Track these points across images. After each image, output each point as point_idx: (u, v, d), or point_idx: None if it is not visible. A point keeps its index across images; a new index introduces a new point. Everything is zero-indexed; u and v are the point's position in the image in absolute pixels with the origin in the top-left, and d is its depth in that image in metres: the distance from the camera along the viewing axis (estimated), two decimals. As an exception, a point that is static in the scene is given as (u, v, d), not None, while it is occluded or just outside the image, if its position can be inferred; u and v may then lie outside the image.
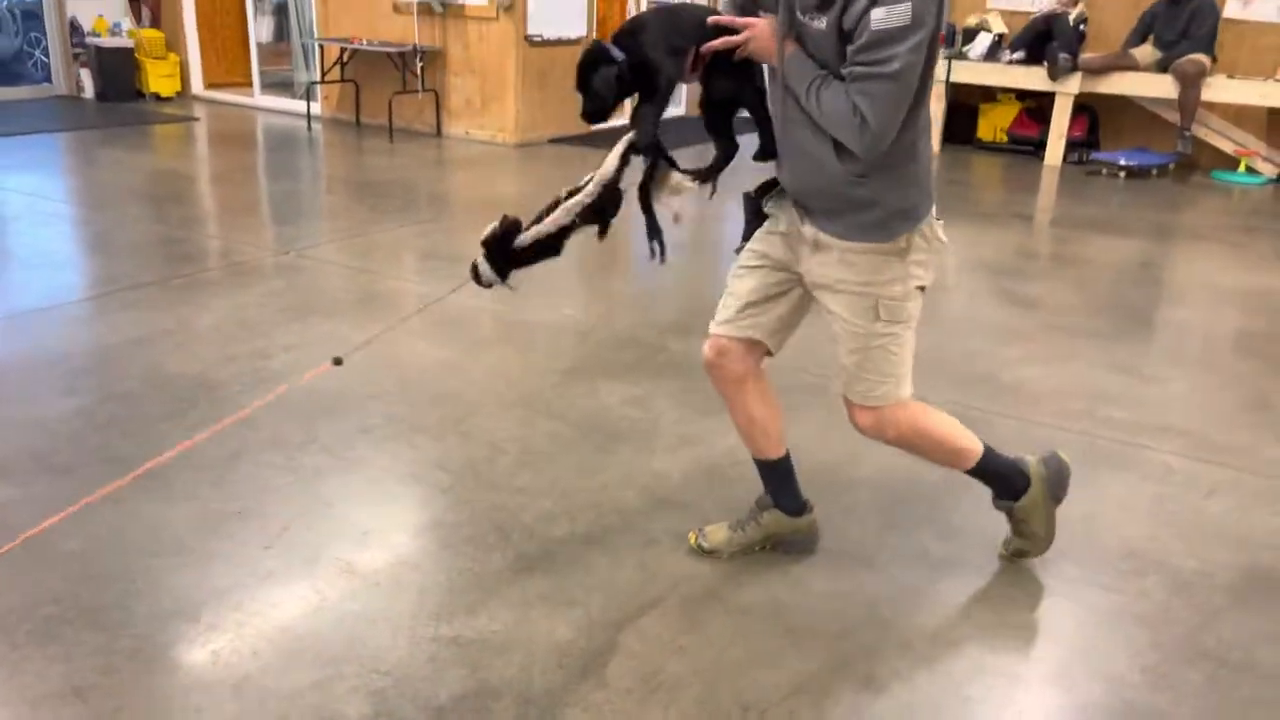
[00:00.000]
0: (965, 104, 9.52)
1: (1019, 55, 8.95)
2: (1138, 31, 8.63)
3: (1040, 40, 8.82)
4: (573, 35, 9.13)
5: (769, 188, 2.27)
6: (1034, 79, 8.81)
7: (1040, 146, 9.13)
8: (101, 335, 3.97)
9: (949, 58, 9.19)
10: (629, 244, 6.10)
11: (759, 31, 2.02)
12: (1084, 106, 8.94)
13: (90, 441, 3.06)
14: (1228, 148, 8.61)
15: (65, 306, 4.29)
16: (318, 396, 3.42)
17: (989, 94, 9.46)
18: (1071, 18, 8.84)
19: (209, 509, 2.70)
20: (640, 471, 3.03)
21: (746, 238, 2.33)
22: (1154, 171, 8.56)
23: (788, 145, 2.12)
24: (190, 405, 3.35)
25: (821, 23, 1.90)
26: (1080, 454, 3.24)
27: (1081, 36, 8.91)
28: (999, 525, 2.62)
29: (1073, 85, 8.61)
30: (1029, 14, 9.29)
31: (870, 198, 2.03)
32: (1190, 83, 8.14)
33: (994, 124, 9.55)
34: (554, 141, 9.09)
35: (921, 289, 2.16)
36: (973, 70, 9.11)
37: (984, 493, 2.56)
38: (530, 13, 8.58)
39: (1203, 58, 8.19)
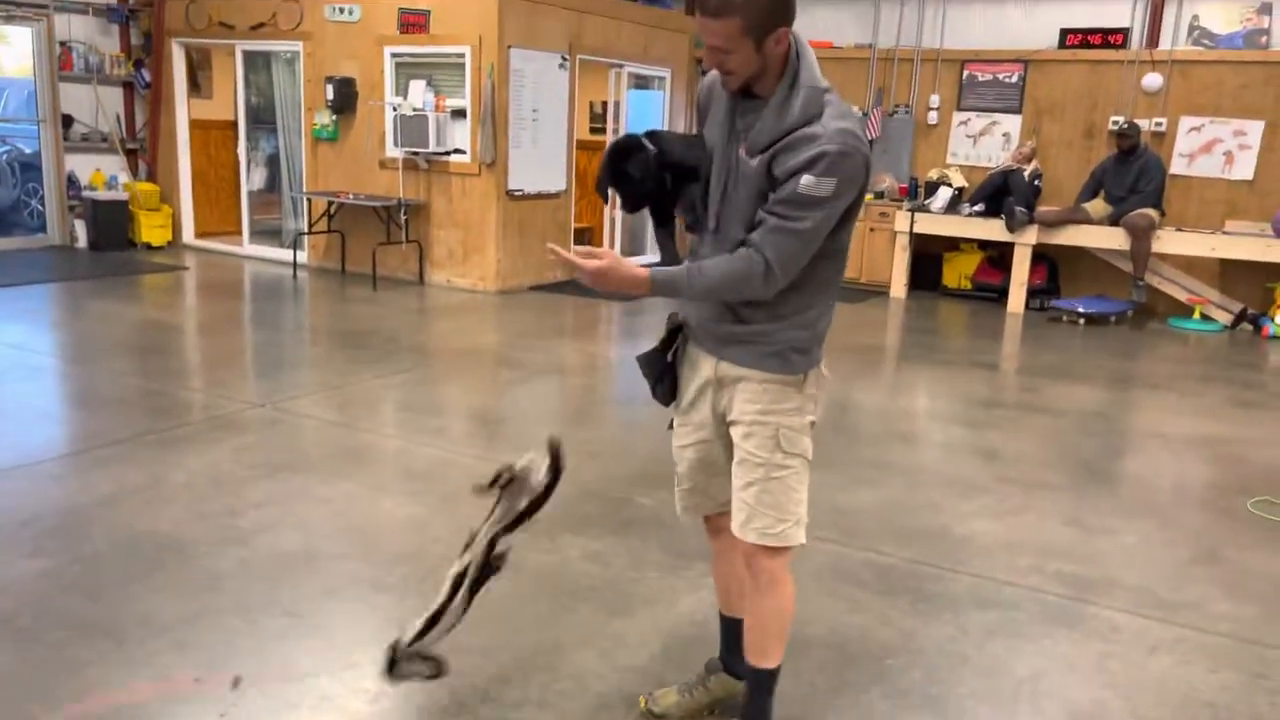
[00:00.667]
0: (930, 253, 9.91)
1: (979, 208, 9.37)
2: (1089, 187, 9.09)
3: (998, 194, 9.26)
4: (552, 190, 9.54)
5: (672, 339, 2.39)
6: (994, 230, 9.21)
7: (1003, 293, 9.46)
8: (73, 494, 4.04)
9: (912, 210, 9.62)
10: (601, 392, 6.27)
11: (609, 267, 2.10)
12: (1043, 255, 9.32)
13: (55, 605, 3.10)
14: (1181, 295, 8.95)
15: (40, 464, 4.37)
16: (284, 557, 3.48)
17: (952, 243, 9.85)
18: (1026, 173, 9.31)
19: (169, 673, 2.73)
20: (597, 632, 3.08)
21: (661, 395, 2.44)
22: (1113, 318, 8.86)
23: (707, 314, 2.30)
24: (157, 566, 3.40)
25: (761, 166, 2.07)
26: (1029, 610, 3.32)
27: (1037, 191, 9.36)
28: (949, 689, 2.67)
29: (1030, 237, 9.00)
30: (986, 169, 9.79)
31: (769, 330, 2.20)
32: (1141, 235, 8.53)
33: (959, 271, 9.92)
34: (534, 289, 9.37)
35: (812, 424, 2.29)
36: (935, 222, 9.52)
37: (935, 657, 2.62)
38: (511, 168, 8.99)
39: (1152, 212, 8.61)
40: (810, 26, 10.68)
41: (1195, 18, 9.07)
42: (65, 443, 4.78)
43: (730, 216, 2.16)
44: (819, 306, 2.23)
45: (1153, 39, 9.22)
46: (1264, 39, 8.79)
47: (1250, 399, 6.49)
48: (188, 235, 11.03)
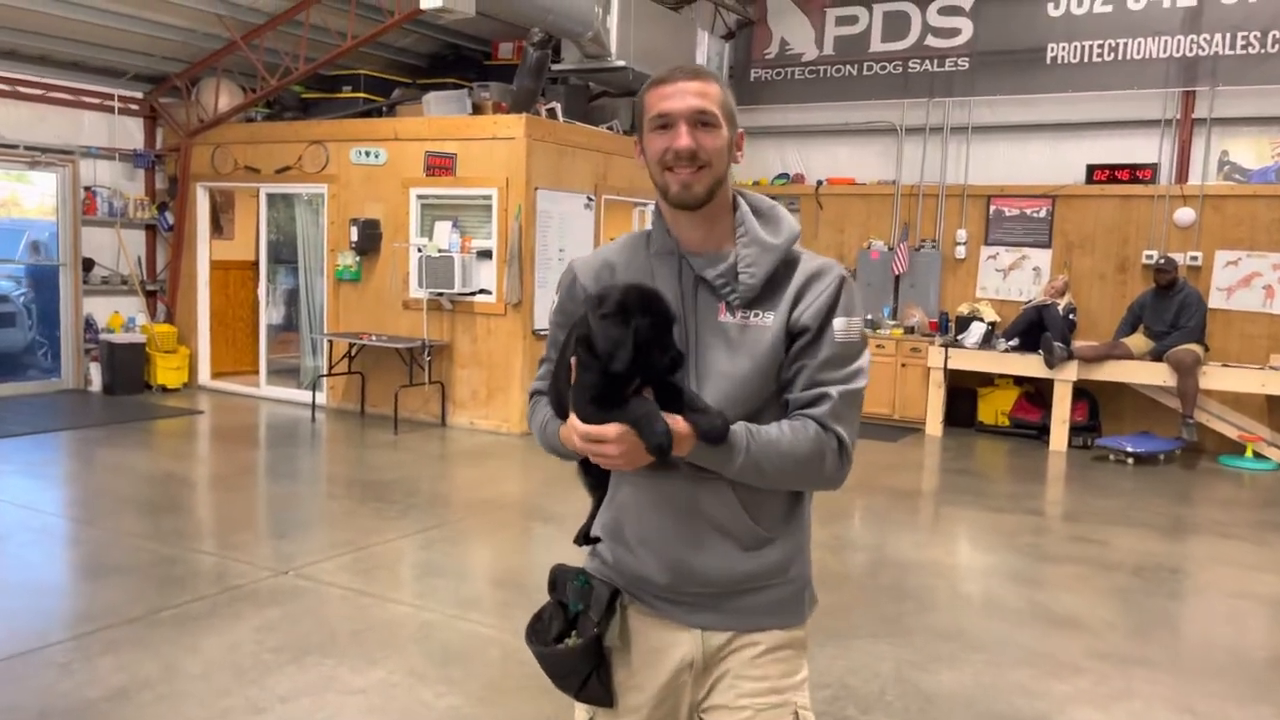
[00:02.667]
0: (964, 388, 9.65)
1: (1014, 343, 9.16)
2: (1127, 321, 8.89)
3: (1033, 329, 9.06)
4: (577, 328, 9.37)
5: (602, 613, 1.77)
6: (1031, 366, 8.97)
7: (1043, 430, 9.16)
8: (81, 687, 3.66)
9: (945, 345, 9.41)
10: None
11: (627, 444, 1.57)
12: (1083, 391, 9.05)
13: (54, 839, 2.71)
14: (1231, 433, 8.63)
15: (46, 650, 4.00)
16: (314, 770, 3.09)
17: (986, 378, 9.60)
18: (1060, 307, 9.14)
19: None
20: None
21: (594, 695, 1.80)
22: (1161, 457, 8.53)
23: (684, 531, 1.72)
24: (171, 783, 3.01)
25: (766, 320, 1.68)
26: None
27: (1072, 325, 9.16)
28: None
29: (1070, 372, 8.75)
30: (1018, 303, 9.62)
31: (789, 555, 1.76)
32: (1187, 372, 8.28)
33: (995, 408, 9.64)
34: (558, 430, 9.09)
35: None
36: (970, 357, 9.29)
37: None
38: (537, 308, 8.83)
39: (1196, 347, 8.38)
40: (833, 164, 10.73)
41: (1225, 153, 9.03)
42: (72, 622, 4.41)
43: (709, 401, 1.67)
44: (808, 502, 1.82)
45: (1182, 174, 9.17)
46: (1295, 173, 8.73)
47: (1330, 550, 6.10)
48: (204, 376, 10.83)
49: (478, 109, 9.28)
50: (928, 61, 10.17)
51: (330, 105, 10.18)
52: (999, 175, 9.93)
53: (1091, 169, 9.47)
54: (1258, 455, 8.48)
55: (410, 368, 8.98)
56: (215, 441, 8.56)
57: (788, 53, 10.88)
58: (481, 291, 8.88)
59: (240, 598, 4.64)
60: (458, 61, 11.06)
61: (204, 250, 10.77)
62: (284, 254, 11.00)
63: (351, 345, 9.31)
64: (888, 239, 10.42)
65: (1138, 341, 8.73)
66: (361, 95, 10.10)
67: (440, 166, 9.02)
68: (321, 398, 9.66)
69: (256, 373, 10.68)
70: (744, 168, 11.06)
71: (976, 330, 9.34)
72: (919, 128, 10.24)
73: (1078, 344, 8.92)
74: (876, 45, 10.42)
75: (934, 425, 9.47)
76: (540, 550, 5.70)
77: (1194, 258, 8.99)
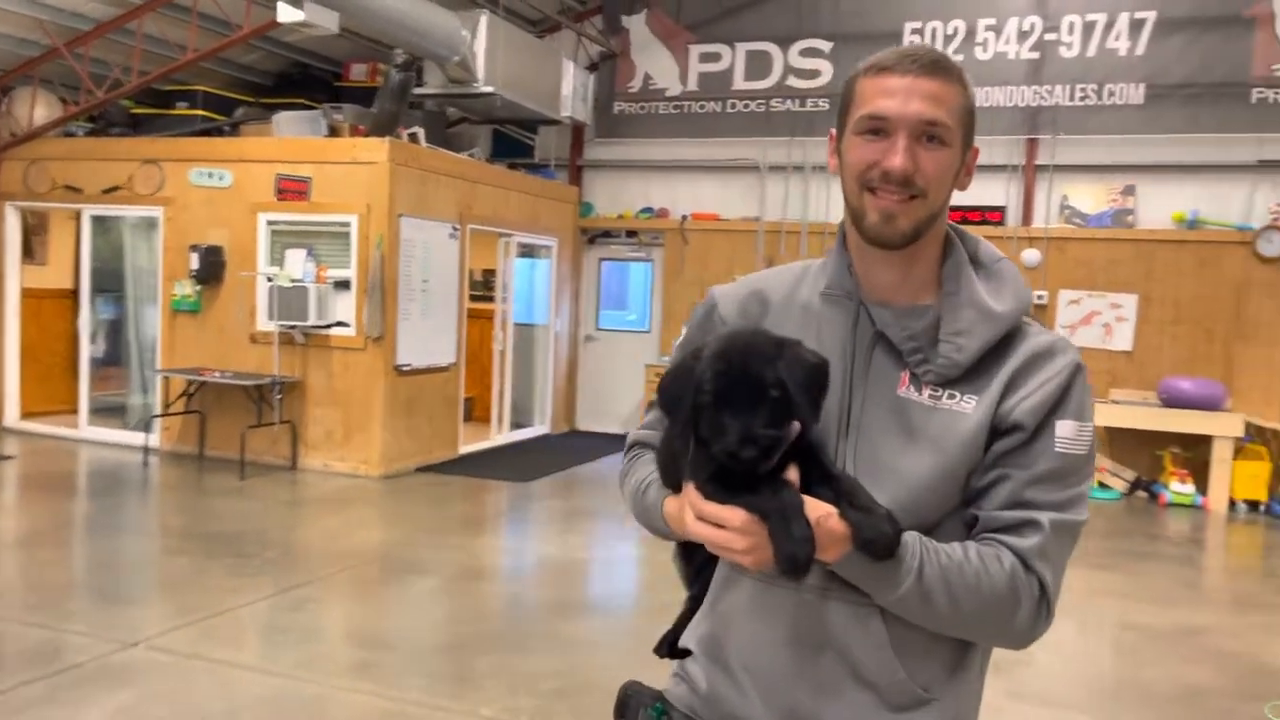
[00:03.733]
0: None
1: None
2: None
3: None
4: (442, 363, 8.93)
5: None
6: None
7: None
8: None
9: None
10: (534, 599, 5.51)
11: (755, 537, 1.20)
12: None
13: None
14: (1078, 463, 9.03)
15: None
16: None
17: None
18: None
19: None
20: None
21: None
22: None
23: (809, 669, 1.35)
24: None
25: (965, 405, 1.29)
26: None
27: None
28: None
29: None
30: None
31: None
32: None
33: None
34: (421, 470, 8.60)
35: None
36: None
37: None
38: (400, 341, 8.35)
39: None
40: (698, 199, 10.72)
41: (1065, 198, 9.54)
42: (-128, 717, 3.69)
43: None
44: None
45: (1028, 217, 9.62)
46: (1130, 218, 9.30)
47: (1197, 579, 6.40)
48: (11, 416, 9.70)
49: (334, 131, 8.75)
50: (789, 101, 10.34)
51: (164, 122, 9.37)
52: (859, 214, 10.14)
53: (949, 209, 9.79)
54: (1102, 485, 8.91)
55: (258, 406, 8.29)
56: (29, 491, 7.62)
57: (652, 87, 10.84)
58: (339, 324, 8.31)
59: (85, 678, 4.01)
60: (306, 81, 10.46)
61: (13, 277, 9.69)
62: (108, 282, 10.03)
63: (190, 382, 8.53)
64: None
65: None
66: (200, 113, 9.36)
67: (293, 190, 8.42)
68: (154, 439, 8.80)
69: (75, 412, 9.65)
70: (610, 202, 10.97)
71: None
72: (781, 166, 10.38)
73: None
74: (739, 83, 10.52)
75: (802, 460, 9.52)
76: (422, 607, 5.26)
77: (1040, 296, 9.43)
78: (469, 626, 4.95)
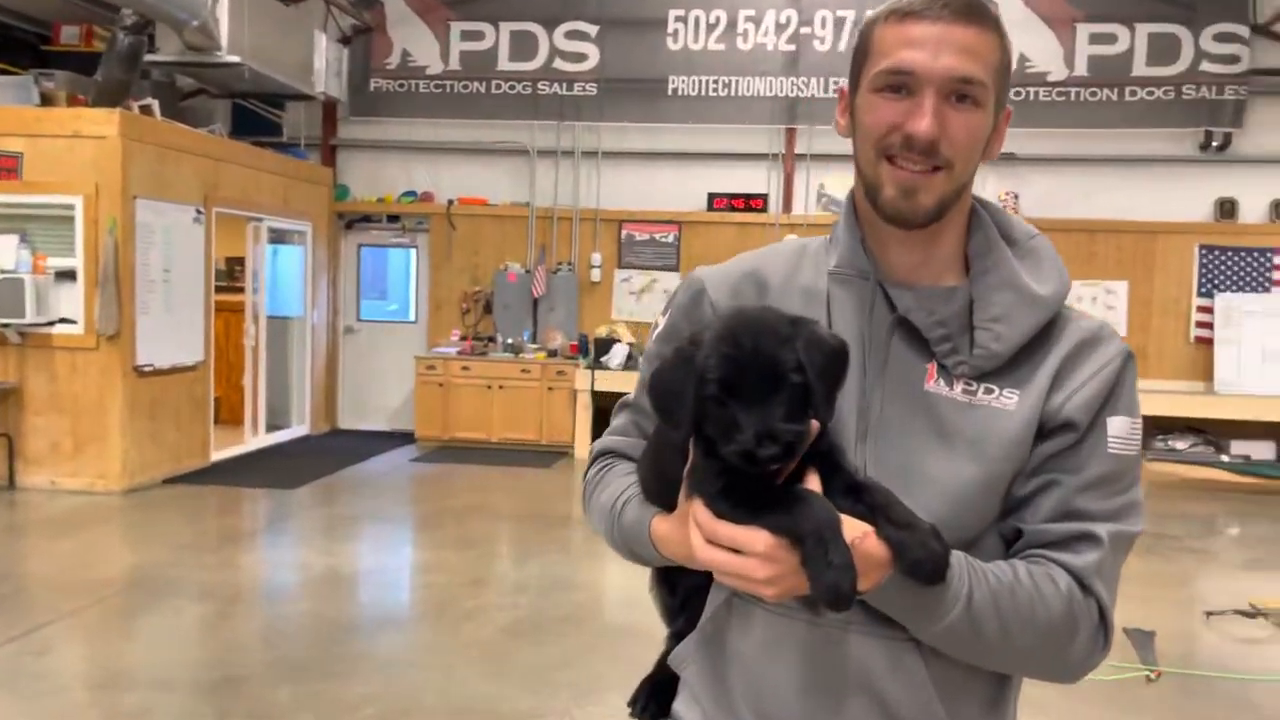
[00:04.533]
0: (606, 408, 9.70)
1: (654, 364, 9.39)
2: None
3: (671, 350, 9.35)
4: (189, 361, 8.06)
5: None
6: (673, 386, 9.25)
7: (683, 447, 9.48)
8: None
9: (590, 367, 9.40)
10: (334, 616, 5.02)
11: (783, 564, 1.00)
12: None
13: None
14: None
15: None
16: None
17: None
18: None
19: None
20: None
21: None
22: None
23: (836, 715, 1.16)
24: None
25: (1007, 401, 1.13)
26: None
27: (703, 344, 9.58)
28: None
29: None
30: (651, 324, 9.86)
31: None
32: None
33: (635, 427, 9.81)
34: (169, 482, 7.72)
35: None
36: (616, 379, 9.34)
37: None
38: (140, 339, 7.43)
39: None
40: (464, 183, 10.34)
41: (822, 185, 10.00)
42: None
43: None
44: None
45: (788, 204, 10.00)
46: (880, 206, 9.86)
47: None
48: None
49: (47, 100, 7.65)
50: (556, 84, 10.15)
51: None
52: (629, 200, 10.15)
53: (712, 197, 10.01)
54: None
55: (-37, 418, 7.12)
56: None
57: (410, 64, 10.30)
58: (63, 321, 7.28)
59: None
60: (5, 44, 9.09)
61: None
62: None
63: None
64: (524, 261, 10.23)
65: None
66: None
67: (0, 168, 7.28)
68: None
69: None
70: (368, 184, 10.36)
71: (620, 352, 9.44)
72: (550, 150, 10.19)
73: (712, 362, 9.35)
74: (504, 64, 10.21)
75: (583, 447, 9.42)
76: (195, 637, 4.66)
77: (803, 280, 9.82)
78: (258, 654, 4.42)
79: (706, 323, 1.10)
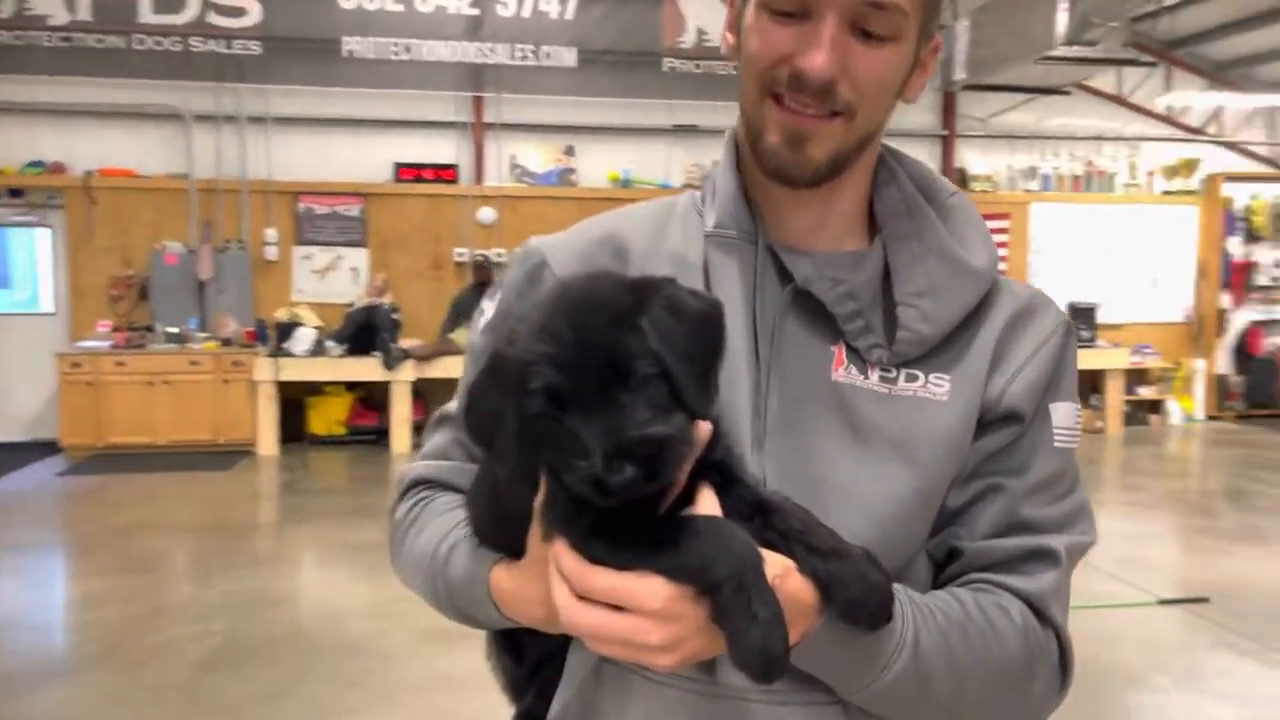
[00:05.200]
0: (290, 399, 8.89)
1: (344, 348, 8.73)
2: (450, 318, 9.07)
3: (363, 331, 8.74)
4: None
5: None
6: (367, 370, 8.65)
7: (382, 434, 8.92)
8: None
9: (272, 355, 8.55)
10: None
11: (686, 619, 0.75)
12: (416, 391, 9.02)
13: None
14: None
15: None
16: None
17: (314, 387, 9.00)
18: (384, 307, 8.95)
19: None
20: None
21: None
22: (496, 445, 8.90)
23: None
24: None
25: (937, 389, 0.92)
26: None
27: (398, 325, 9.05)
28: None
29: (408, 372, 8.64)
30: (339, 306, 9.16)
31: None
32: (513, 361, 8.75)
33: (328, 417, 9.08)
34: None
35: None
36: (304, 366, 8.58)
37: None
38: None
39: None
40: (105, 152, 9.02)
41: (514, 156, 9.71)
42: None
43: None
44: None
45: (480, 175, 9.63)
46: (573, 177, 9.77)
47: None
48: None
49: None
50: (212, 41, 9.06)
51: None
52: (306, 171, 9.30)
53: (399, 166, 9.43)
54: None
55: None
56: None
57: (28, 13, 8.77)
58: None
59: None
60: None
61: None
62: None
63: None
64: (185, 240, 9.09)
65: (462, 336, 8.96)
66: None
67: None
68: None
69: None
70: (-18, 152, 8.74)
71: (305, 337, 8.65)
72: (210, 115, 9.10)
73: (408, 343, 8.84)
74: (147, 16, 8.94)
75: (268, 444, 8.56)
76: None
77: (499, 253, 9.52)
78: None
79: (524, 312, 0.80)
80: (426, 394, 9.20)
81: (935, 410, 0.92)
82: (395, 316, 9.07)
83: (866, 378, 0.92)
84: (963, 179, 10.22)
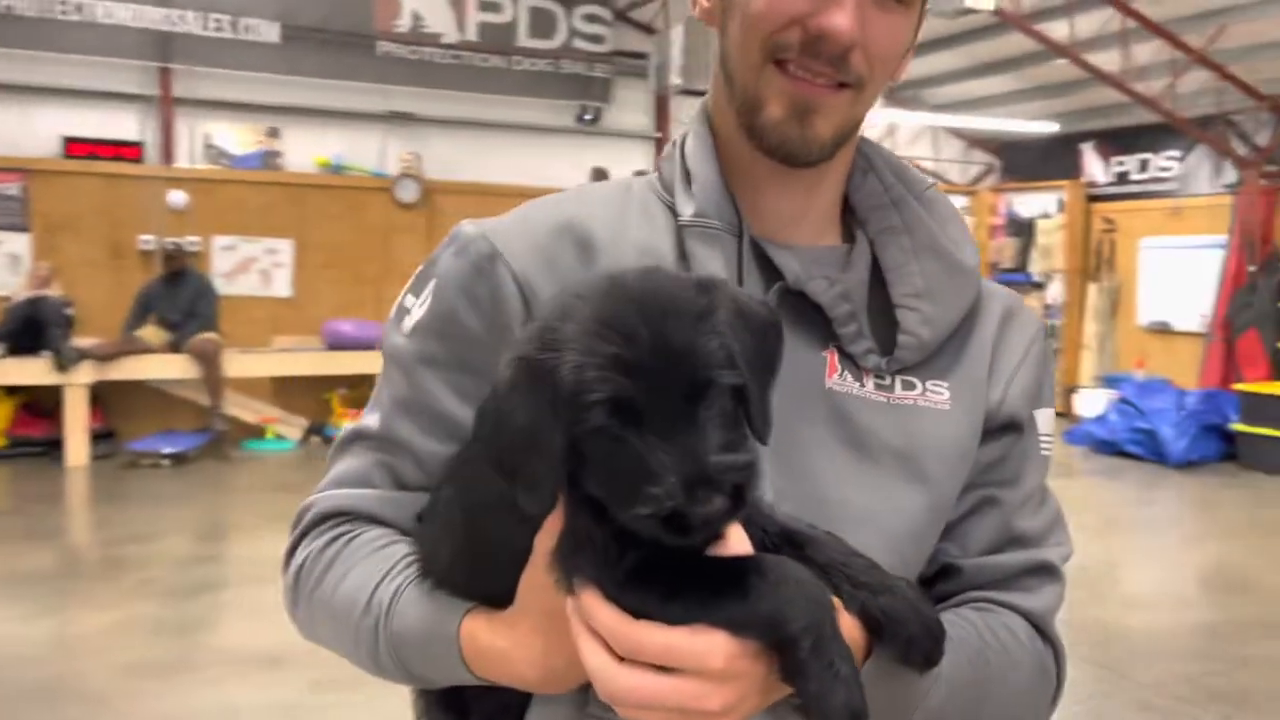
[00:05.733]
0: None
1: (4, 346, 7.58)
2: (136, 313, 8.12)
3: (29, 327, 7.63)
4: None
5: None
6: (35, 372, 7.55)
7: (53, 445, 7.83)
8: None
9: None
10: None
11: (750, 678, 0.67)
12: (95, 395, 7.99)
13: None
14: (250, 417, 8.64)
15: None
16: None
17: (-32, 394, 7.75)
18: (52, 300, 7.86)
19: None
20: None
21: None
22: (194, 453, 8.08)
23: None
24: None
25: (936, 398, 0.87)
26: None
27: (70, 320, 7.98)
28: None
29: (84, 374, 7.63)
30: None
31: None
32: (213, 361, 7.98)
33: (-18, 427, 7.85)
34: None
35: None
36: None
37: None
38: None
39: (216, 335, 8.11)
40: None
41: (208, 136, 8.85)
42: None
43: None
44: None
45: (169, 155, 8.70)
46: (278, 161, 9.06)
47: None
48: None
49: None
50: None
51: None
52: (-51, 141, 7.98)
53: (68, 141, 8.31)
54: (278, 436, 8.68)
55: None
56: None
57: None
58: None
59: None
60: None
61: None
62: None
63: None
64: None
65: (152, 333, 8.06)
66: None
67: None
68: None
69: None
70: None
71: (-49, 335, 7.41)
72: None
73: (86, 341, 7.82)
74: None
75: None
76: None
77: (193, 242, 8.65)
78: None
79: (553, 311, 0.66)
80: (107, 399, 8.20)
81: (938, 420, 0.86)
82: (67, 311, 8.00)
83: (862, 385, 0.85)
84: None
